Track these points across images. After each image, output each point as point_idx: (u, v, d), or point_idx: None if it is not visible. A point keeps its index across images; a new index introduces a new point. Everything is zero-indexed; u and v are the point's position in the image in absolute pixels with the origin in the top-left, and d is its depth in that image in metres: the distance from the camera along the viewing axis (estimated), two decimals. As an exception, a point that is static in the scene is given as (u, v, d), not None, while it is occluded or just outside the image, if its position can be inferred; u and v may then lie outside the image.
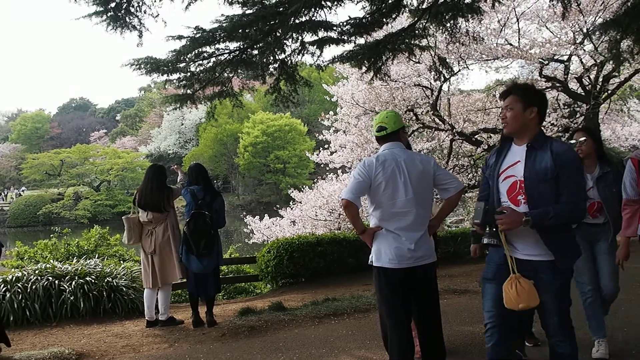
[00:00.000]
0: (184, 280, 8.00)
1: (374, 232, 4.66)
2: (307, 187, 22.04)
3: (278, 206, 22.14)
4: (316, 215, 18.54)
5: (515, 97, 4.00)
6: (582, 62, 16.07)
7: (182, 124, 71.83)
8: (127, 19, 7.63)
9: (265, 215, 20.85)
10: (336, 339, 6.69)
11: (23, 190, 65.25)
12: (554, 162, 3.85)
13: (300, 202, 20.03)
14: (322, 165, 20.17)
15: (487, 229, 3.97)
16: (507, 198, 4.01)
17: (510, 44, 14.90)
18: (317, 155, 19.33)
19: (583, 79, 16.35)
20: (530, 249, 3.94)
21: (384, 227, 4.60)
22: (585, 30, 14.14)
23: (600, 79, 15.81)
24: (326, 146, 19.21)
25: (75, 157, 61.31)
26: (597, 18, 13.72)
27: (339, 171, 19.24)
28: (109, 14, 7.48)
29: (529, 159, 3.95)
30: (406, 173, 4.52)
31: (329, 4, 7.63)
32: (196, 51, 8.21)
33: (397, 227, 4.55)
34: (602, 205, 5.28)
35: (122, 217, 7.89)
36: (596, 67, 15.65)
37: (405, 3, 8.15)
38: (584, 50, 14.98)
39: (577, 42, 14.55)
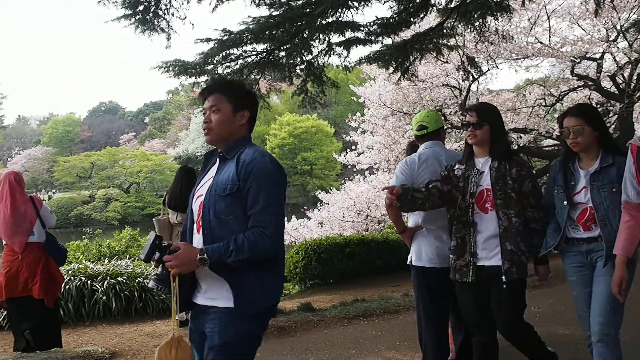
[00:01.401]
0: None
1: (414, 232, 4.65)
2: (334, 188, 22.05)
3: (305, 208, 22.14)
4: (344, 217, 18.52)
5: (221, 96, 3.22)
6: (615, 60, 15.82)
7: (210, 127, 72.10)
8: (155, 22, 7.70)
9: (293, 216, 20.87)
10: (365, 339, 6.67)
11: (54, 192, 65.99)
12: (237, 173, 3.05)
13: (328, 204, 20.04)
14: (349, 167, 20.17)
15: (160, 268, 3.11)
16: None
17: (541, 42, 14.72)
18: (344, 156, 19.34)
19: (616, 77, 16.10)
20: (213, 290, 3.12)
21: (425, 227, 4.60)
22: (618, 27, 13.93)
23: (635, 77, 15.55)
24: (353, 147, 19.19)
25: (105, 159, 61.94)
26: (631, 14, 13.50)
27: (367, 172, 19.18)
28: (137, 16, 7.54)
29: (217, 173, 3.18)
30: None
31: (355, 4, 7.61)
32: (224, 53, 8.25)
33: (438, 226, 4.53)
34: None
35: (153, 219, 7.95)
36: (630, 65, 15.40)
37: (433, 2, 8.10)
38: (618, 47, 14.76)
39: (610, 39, 14.33)
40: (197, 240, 3.14)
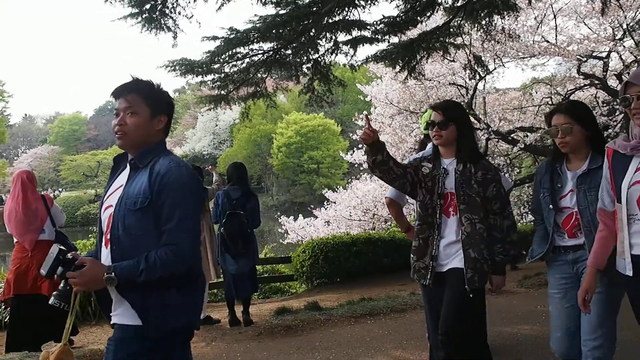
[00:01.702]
0: (221, 280, 8.03)
1: None
2: (341, 187, 22.03)
3: (312, 206, 22.13)
4: (350, 216, 18.51)
5: (139, 98, 2.96)
6: (621, 59, 15.80)
7: (217, 125, 72.16)
8: (162, 21, 7.72)
9: (300, 215, 20.86)
10: (372, 338, 6.67)
11: (61, 191, 66.17)
12: (150, 185, 2.82)
13: (335, 202, 20.02)
14: (356, 165, 20.12)
15: (63, 283, 2.84)
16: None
17: (547, 41, 14.69)
18: (351, 155, 19.31)
19: (623, 76, 16.04)
20: (118, 306, 2.91)
21: None
22: (625, 26, 13.90)
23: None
24: (360, 146, 19.16)
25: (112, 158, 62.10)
26: (637, 13, 13.48)
27: (373, 171, 19.14)
28: (144, 15, 7.56)
29: (128, 183, 2.93)
30: None
31: (362, 3, 7.61)
32: (230, 52, 8.26)
33: None
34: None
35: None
36: (636, 64, 15.37)
37: (440, 1, 8.10)
38: (624, 46, 14.74)
39: (617, 38, 14.31)
40: (105, 255, 2.91)
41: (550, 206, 3.75)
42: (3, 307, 7.70)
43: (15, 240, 6.41)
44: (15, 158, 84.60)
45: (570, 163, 3.77)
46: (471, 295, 3.78)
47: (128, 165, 3.01)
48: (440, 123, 3.98)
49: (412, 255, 4.10)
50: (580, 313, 3.57)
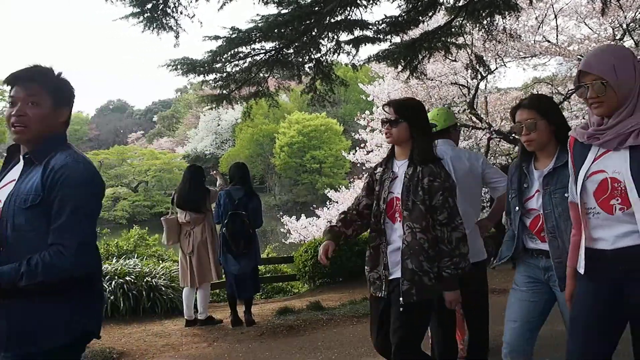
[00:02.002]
0: (223, 280, 8.04)
1: None
2: (343, 186, 22.06)
3: (314, 206, 22.18)
4: (352, 215, 18.50)
5: (41, 88, 2.68)
6: (622, 58, 15.81)
7: (219, 125, 72.10)
8: (164, 20, 7.71)
9: (302, 215, 20.89)
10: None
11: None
12: (43, 181, 2.56)
13: (337, 202, 20.06)
14: (358, 165, 20.14)
15: None
16: None
17: (548, 41, 14.72)
18: (354, 154, 19.33)
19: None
20: None
21: None
22: (625, 26, 13.93)
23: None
24: (362, 145, 19.18)
25: (114, 158, 62.02)
26: (637, 14, 13.50)
27: (376, 170, 19.17)
28: (145, 15, 7.56)
29: (20, 179, 2.65)
30: (452, 170, 4.44)
31: (364, 2, 7.61)
32: (232, 51, 8.26)
33: None
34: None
35: (161, 219, 7.96)
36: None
37: (442, 1, 8.10)
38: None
39: (617, 38, 14.34)
40: None
41: (517, 208, 3.58)
42: None
43: None
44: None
45: (537, 161, 3.58)
46: (401, 309, 3.54)
47: (22, 159, 2.73)
48: (391, 120, 3.74)
49: (365, 267, 3.87)
50: (541, 313, 3.59)
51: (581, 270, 2.89)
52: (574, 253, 3.03)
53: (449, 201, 3.62)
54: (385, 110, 3.82)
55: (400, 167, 3.75)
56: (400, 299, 3.54)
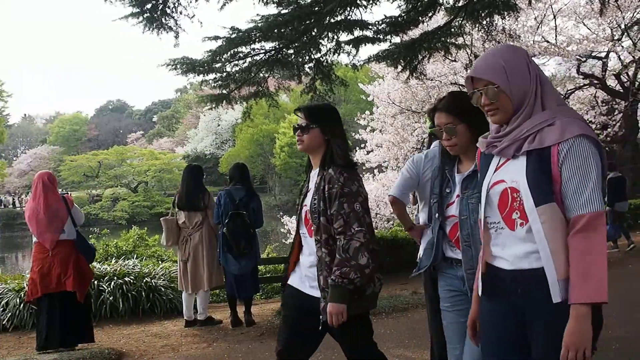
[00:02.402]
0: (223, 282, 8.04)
1: (423, 229, 4.60)
2: (342, 187, 22.01)
3: (314, 206, 22.12)
4: (352, 215, 18.52)
5: None
6: (620, 59, 15.87)
7: (219, 125, 72.14)
8: (163, 20, 7.72)
9: (302, 215, 20.85)
10: (374, 337, 6.66)
11: (61, 192, 66.03)
12: None
13: (337, 202, 20.03)
14: (358, 165, 20.12)
15: None
16: None
17: (547, 41, 14.77)
18: (354, 154, 19.34)
19: (621, 76, 16.14)
20: None
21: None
22: (623, 27, 13.98)
23: (639, 76, 15.59)
24: (362, 145, 19.24)
25: (113, 158, 61.98)
26: (635, 14, 13.55)
27: (376, 170, 19.22)
28: (145, 15, 7.57)
29: None
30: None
31: (364, 2, 7.62)
32: (232, 51, 8.27)
33: None
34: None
35: (161, 219, 7.95)
36: (634, 64, 15.45)
37: (441, 1, 8.12)
38: (622, 46, 14.83)
39: (615, 38, 14.40)
40: None
41: (437, 214, 3.41)
42: (29, 307, 7.73)
43: (34, 240, 6.56)
44: (14, 158, 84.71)
45: (461, 164, 3.39)
46: (320, 328, 3.38)
47: None
48: (302, 126, 3.49)
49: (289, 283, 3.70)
50: None
51: (479, 291, 2.66)
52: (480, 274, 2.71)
53: (345, 207, 3.29)
54: (297, 115, 3.57)
55: (313, 177, 3.54)
56: (321, 317, 3.35)
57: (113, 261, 10.05)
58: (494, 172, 2.55)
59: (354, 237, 3.26)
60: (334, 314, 3.24)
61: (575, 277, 2.23)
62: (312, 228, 3.39)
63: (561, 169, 2.31)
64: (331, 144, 3.45)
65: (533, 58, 14.43)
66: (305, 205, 3.50)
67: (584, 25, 15.42)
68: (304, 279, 3.54)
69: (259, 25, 7.70)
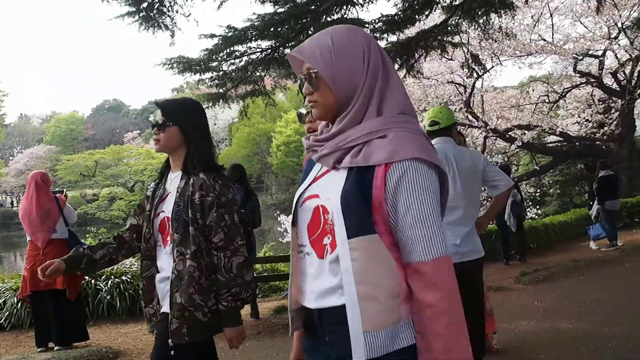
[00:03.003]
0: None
1: None
2: (339, 186, 22.04)
3: (311, 205, 22.14)
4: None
5: None
6: (617, 57, 15.92)
7: (215, 124, 72.04)
8: (159, 19, 7.71)
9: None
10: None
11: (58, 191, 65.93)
12: None
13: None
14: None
15: None
16: None
17: (544, 40, 14.79)
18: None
19: (618, 74, 16.18)
20: None
21: None
22: (620, 25, 14.00)
23: (636, 74, 15.64)
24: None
25: (109, 158, 61.97)
26: (632, 12, 13.57)
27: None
28: (141, 14, 7.57)
29: None
30: (455, 168, 4.41)
31: (360, 1, 7.62)
32: (228, 50, 8.27)
33: (444, 221, 4.47)
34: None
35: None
36: (631, 62, 15.49)
37: (438, 0, 8.12)
38: (619, 45, 14.85)
39: (612, 36, 14.44)
40: None
41: None
42: (26, 306, 7.75)
43: (28, 239, 6.67)
44: (10, 158, 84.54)
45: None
46: (172, 353, 2.96)
47: None
48: (159, 123, 3.13)
49: (142, 300, 3.37)
50: None
51: (291, 329, 2.08)
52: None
53: (225, 219, 3.03)
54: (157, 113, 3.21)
55: (174, 180, 3.17)
56: (170, 340, 2.94)
57: (110, 260, 10.03)
58: (310, 183, 1.97)
59: (237, 252, 3.02)
60: (234, 338, 3.07)
61: (424, 341, 1.72)
62: (173, 237, 3.01)
63: (391, 198, 1.72)
64: (192, 144, 3.12)
65: (530, 56, 14.38)
66: (163, 211, 3.11)
67: (581, 23, 15.45)
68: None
69: (256, 23, 7.70)
